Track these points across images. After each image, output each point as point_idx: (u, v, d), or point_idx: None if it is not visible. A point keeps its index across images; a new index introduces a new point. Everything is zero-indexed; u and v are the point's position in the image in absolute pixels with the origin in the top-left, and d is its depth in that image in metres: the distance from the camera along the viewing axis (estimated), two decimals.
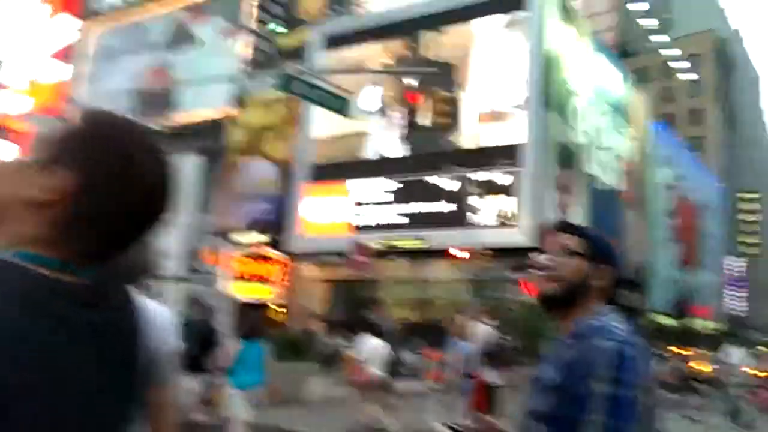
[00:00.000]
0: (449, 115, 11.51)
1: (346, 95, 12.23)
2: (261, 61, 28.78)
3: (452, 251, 19.74)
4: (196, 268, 11.21)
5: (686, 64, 48.03)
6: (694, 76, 49.50)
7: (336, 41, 27.67)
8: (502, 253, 20.72)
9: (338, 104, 11.96)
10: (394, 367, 8.57)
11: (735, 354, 11.15)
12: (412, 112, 12.06)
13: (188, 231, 28.03)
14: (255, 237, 26.06)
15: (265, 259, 23.83)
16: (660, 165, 36.96)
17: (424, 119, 13.84)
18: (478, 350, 6.30)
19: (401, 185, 24.77)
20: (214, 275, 10.86)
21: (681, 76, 49.52)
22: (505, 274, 21.68)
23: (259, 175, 28.21)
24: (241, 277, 20.88)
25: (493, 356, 6.41)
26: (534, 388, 1.37)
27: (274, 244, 25.57)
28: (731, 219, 49.37)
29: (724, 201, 48.93)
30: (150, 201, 0.83)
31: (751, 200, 50.44)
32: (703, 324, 37.33)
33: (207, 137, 30.11)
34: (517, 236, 22.25)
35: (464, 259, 19.29)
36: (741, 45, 67.29)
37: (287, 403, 9.12)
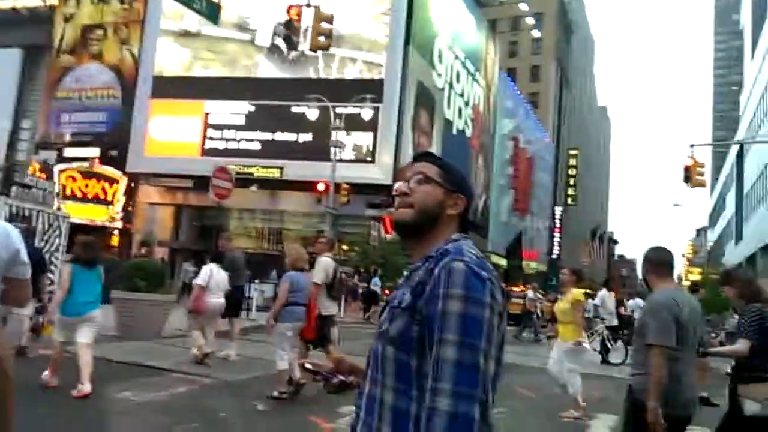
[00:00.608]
0: (330, 35, 10.62)
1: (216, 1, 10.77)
2: None
3: (317, 184, 19.14)
4: (19, 181, 9.41)
5: (531, 21, 50.77)
6: (537, 34, 52.63)
7: None
8: (359, 188, 20.65)
9: (208, 8, 10.51)
10: (238, 298, 8.65)
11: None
12: (290, 30, 10.96)
13: (4, 137, 24.08)
14: (87, 152, 23.10)
15: (101, 177, 21.30)
16: (504, 116, 39.27)
17: (301, 40, 12.81)
18: (320, 282, 6.23)
19: (260, 110, 23.29)
20: (45, 191, 9.21)
21: (528, 33, 52.42)
22: (363, 210, 21.77)
23: (92, 81, 24.76)
24: (73, 196, 18.43)
25: (331, 289, 6.39)
26: (385, 312, 1.33)
27: (109, 161, 22.93)
28: (559, 172, 54.87)
29: (554, 155, 53.94)
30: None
31: (574, 156, 56.32)
32: (532, 265, 41.38)
33: (28, 29, 25.65)
34: (375, 172, 22.32)
35: (322, 191, 18.85)
36: (582, 10, 72.97)
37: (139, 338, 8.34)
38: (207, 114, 23.82)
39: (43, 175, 15.93)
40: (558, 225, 53.01)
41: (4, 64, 25.31)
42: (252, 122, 23.31)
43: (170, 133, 23.69)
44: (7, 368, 1.89)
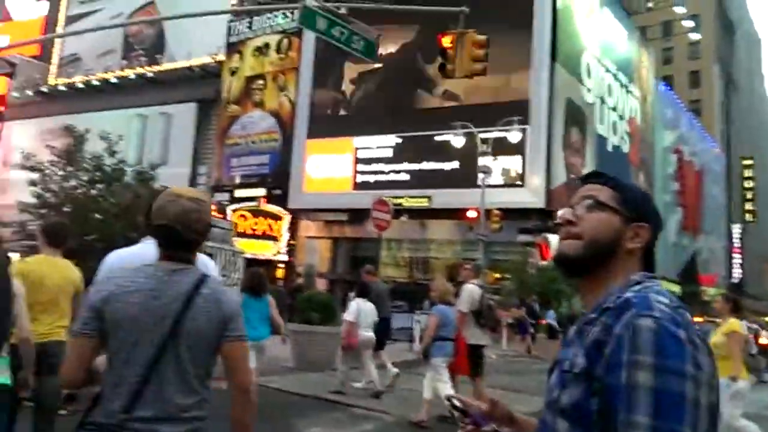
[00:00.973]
0: (484, 59, 10.40)
1: (373, 37, 11.17)
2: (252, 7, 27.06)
3: (466, 212, 18.91)
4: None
5: (690, 23, 46.81)
6: (696, 37, 48.35)
7: None
8: (509, 213, 20.00)
9: (365, 46, 10.91)
10: (384, 331, 8.67)
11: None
12: (444, 58, 10.92)
13: (185, 182, 26.99)
14: (254, 192, 25.08)
15: (268, 215, 22.94)
16: (664, 127, 36.26)
17: (454, 66, 12.82)
18: (465, 310, 6.04)
19: (406, 141, 23.66)
20: (224, 230, 9.93)
21: (683, 37, 48.38)
22: (515, 235, 21.02)
23: (255, 127, 26.95)
24: (244, 233, 20.02)
25: (479, 316, 6.16)
26: (554, 374, 1.11)
27: (273, 200, 24.64)
28: (732, 185, 49.15)
29: (725, 166, 48.58)
30: None
31: (748, 166, 50.11)
32: (710, 292, 36.83)
33: (200, 85, 28.73)
34: (525, 196, 21.54)
35: (472, 219, 18.52)
36: (743, 6, 65.98)
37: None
38: (356, 149, 24.76)
39: (220, 215, 17.49)
40: (737, 244, 47.24)
41: (183, 118, 28.42)
42: (399, 154, 23.79)
43: (325, 170, 24.96)
44: (253, 398, 1.97)
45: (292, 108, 26.20)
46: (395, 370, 7.90)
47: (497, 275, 20.97)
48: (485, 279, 15.16)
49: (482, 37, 10.86)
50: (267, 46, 27.30)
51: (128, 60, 32.06)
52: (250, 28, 27.66)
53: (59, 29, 34.46)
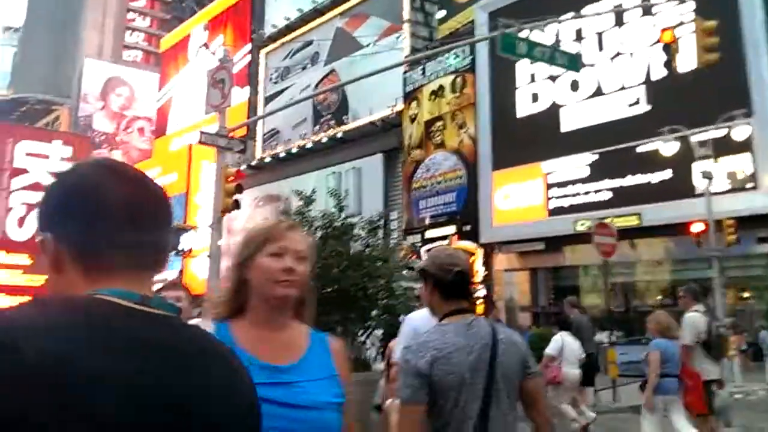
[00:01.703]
0: (716, 49, 9.22)
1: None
2: (422, 50, 28.00)
3: (689, 225, 16.86)
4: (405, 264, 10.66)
5: None
6: None
7: (500, 15, 25.90)
8: (741, 222, 17.34)
9: (568, 60, 10.56)
10: (591, 366, 8.30)
11: None
12: (669, 55, 9.95)
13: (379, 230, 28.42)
14: (445, 231, 25.38)
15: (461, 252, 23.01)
16: None
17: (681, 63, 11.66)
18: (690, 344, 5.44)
19: (604, 157, 21.82)
20: None
21: None
22: (752, 246, 18.19)
23: (439, 168, 27.43)
24: None
25: (708, 348, 5.54)
26: None
27: (464, 236, 24.62)
28: None
29: None
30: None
31: None
32: None
33: (383, 137, 30.27)
34: (759, 200, 18.55)
35: (698, 233, 16.41)
36: None
37: None
38: (546, 174, 23.81)
39: (414, 257, 17.87)
40: None
41: (371, 169, 30.04)
42: (598, 171, 22.24)
43: (514, 200, 24.35)
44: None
45: (473, 143, 26.26)
46: (592, 414, 7.31)
47: (737, 295, 18.25)
48: (711, 302, 13.18)
49: (711, 23, 9.75)
50: (441, 88, 27.93)
51: (319, 125, 35.06)
52: (423, 74, 28.62)
53: (260, 110, 39.12)
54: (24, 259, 11.05)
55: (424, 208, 27.54)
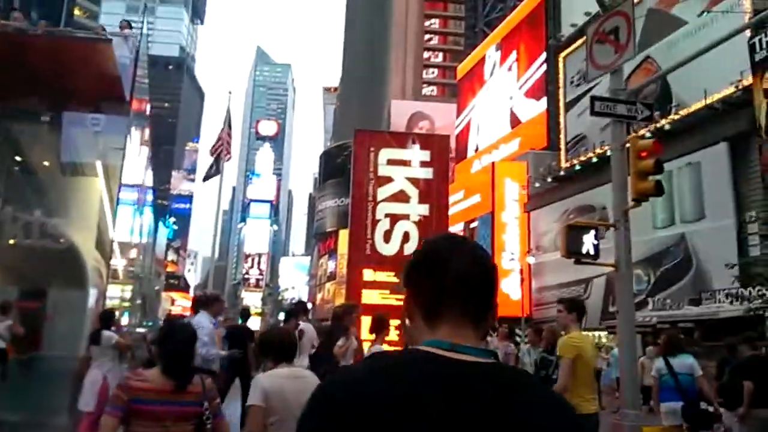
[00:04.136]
0: None
1: None
2: None
3: None
4: None
5: None
6: None
7: None
8: None
9: None
10: None
11: None
12: None
13: (730, 236, 22.84)
14: None
15: None
16: None
17: None
18: None
19: None
20: None
21: None
22: None
23: None
24: None
25: None
26: None
27: None
28: None
29: None
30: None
31: None
32: None
33: (724, 122, 24.69)
34: None
35: None
36: None
37: None
38: None
39: None
40: None
41: (712, 162, 24.79)
42: None
43: None
44: None
45: None
46: None
47: None
48: None
49: None
50: None
51: (632, 124, 30.86)
52: None
53: (561, 118, 36.57)
54: (390, 276, 10.28)
55: None
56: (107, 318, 6.89)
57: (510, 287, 32.69)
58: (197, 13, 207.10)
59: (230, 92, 22.19)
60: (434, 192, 10.56)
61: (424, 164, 10.68)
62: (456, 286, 1.14)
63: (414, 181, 10.69)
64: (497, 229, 36.30)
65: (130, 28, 9.23)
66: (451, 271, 1.15)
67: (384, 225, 10.49)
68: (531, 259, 31.29)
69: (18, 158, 9.24)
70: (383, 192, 10.60)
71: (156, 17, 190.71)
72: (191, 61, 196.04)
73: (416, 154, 10.70)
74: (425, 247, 1.22)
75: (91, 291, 8.80)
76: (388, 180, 10.61)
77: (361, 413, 1.01)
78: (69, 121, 8.82)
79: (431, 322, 1.15)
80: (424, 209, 10.54)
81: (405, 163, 10.74)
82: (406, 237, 10.45)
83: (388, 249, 10.36)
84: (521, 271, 31.19)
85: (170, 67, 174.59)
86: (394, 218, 10.45)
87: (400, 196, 10.39)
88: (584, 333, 5.39)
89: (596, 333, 26.38)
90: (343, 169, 67.39)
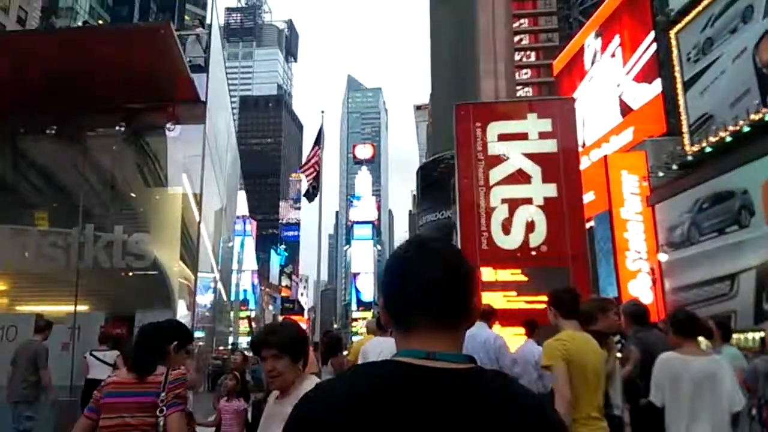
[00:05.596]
0: None
1: None
2: None
3: None
4: None
5: None
6: None
7: None
8: None
9: None
10: None
11: None
12: None
13: None
14: None
15: None
16: None
17: None
18: None
19: None
20: None
21: None
22: None
23: None
24: None
25: None
26: None
27: None
28: None
29: None
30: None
31: None
32: None
33: None
34: None
35: None
36: None
37: None
38: None
39: None
40: None
41: None
42: None
43: None
44: None
45: None
46: None
47: None
48: None
49: None
50: None
51: (767, 96, 26.98)
52: None
53: (680, 99, 33.01)
54: (516, 275, 8.30)
55: None
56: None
57: (639, 290, 29.45)
58: (291, 52, 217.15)
59: (323, 111, 21.69)
60: (561, 168, 8.71)
61: (545, 135, 8.79)
62: (422, 295, 1.13)
63: (535, 158, 8.90)
64: (617, 228, 33.04)
65: (203, 26, 8.53)
66: (416, 281, 1.14)
67: (501, 213, 8.71)
68: (663, 257, 28.00)
69: (95, 171, 8.70)
70: (496, 174, 8.83)
71: (254, 60, 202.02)
72: (288, 97, 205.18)
73: (534, 124, 8.86)
74: (392, 255, 1.21)
75: (178, 309, 8.02)
76: (501, 159, 8.85)
77: (319, 422, 1.01)
78: (144, 128, 8.18)
79: (403, 331, 1.15)
80: (550, 190, 8.71)
81: (521, 136, 8.90)
82: (530, 226, 8.69)
83: (510, 242, 8.56)
84: (651, 272, 27.95)
85: (270, 104, 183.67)
86: (514, 204, 8.67)
87: (519, 177, 8.61)
88: (581, 333, 3.92)
89: (751, 335, 22.74)
90: (440, 182, 66.08)
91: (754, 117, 26.27)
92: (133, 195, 8.81)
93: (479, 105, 10.72)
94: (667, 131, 34.05)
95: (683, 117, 32.34)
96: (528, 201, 8.50)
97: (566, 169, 8.52)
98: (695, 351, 4.13)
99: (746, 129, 26.42)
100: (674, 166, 30.94)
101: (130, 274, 7.98)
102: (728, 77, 29.54)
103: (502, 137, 8.88)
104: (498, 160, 8.75)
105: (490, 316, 6.07)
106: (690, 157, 30.06)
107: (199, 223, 7.64)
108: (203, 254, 9.02)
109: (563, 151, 8.61)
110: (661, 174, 31.85)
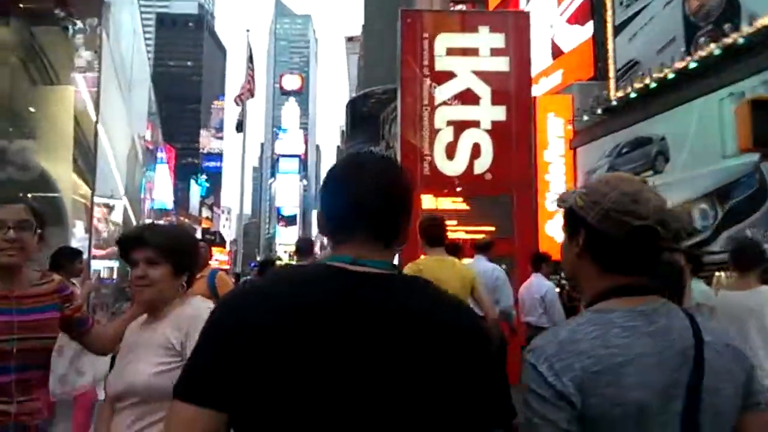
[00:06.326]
0: None
1: None
2: None
3: None
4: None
5: None
6: None
7: None
8: None
9: None
10: None
11: None
12: None
13: None
14: None
15: None
16: None
17: None
18: None
19: None
20: None
21: None
22: None
23: None
24: None
25: None
26: None
27: None
28: None
29: None
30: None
31: None
32: None
33: None
34: None
35: None
36: None
37: None
38: None
39: None
40: None
41: None
42: None
43: None
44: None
45: None
46: None
47: None
48: None
49: None
50: None
51: (693, 44, 27.55)
52: None
53: (610, 43, 33.22)
54: (458, 203, 7.69)
55: None
56: None
57: (555, 230, 30.35)
58: None
59: (248, 30, 20.28)
60: (512, 89, 8.12)
61: (496, 52, 8.12)
62: (354, 211, 1.15)
63: (484, 76, 8.24)
64: (539, 169, 33.64)
65: None
66: (350, 196, 1.15)
67: (446, 136, 8.09)
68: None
69: None
70: (443, 92, 8.13)
71: None
72: (211, 18, 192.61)
73: (485, 39, 8.13)
74: (328, 172, 1.21)
75: (73, 230, 6.94)
76: (450, 76, 8.13)
77: (265, 316, 1.02)
78: (29, 16, 6.76)
79: (337, 244, 1.17)
80: (499, 112, 8.14)
81: (471, 52, 8.17)
82: (476, 150, 8.15)
83: (453, 167, 7.99)
84: None
85: (190, 24, 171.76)
86: (460, 126, 8.05)
87: (467, 97, 7.96)
88: (440, 257, 4.12)
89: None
90: (370, 117, 64.84)
91: (678, 65, 26.88)
92: (14, 95, 7.40)
93: (428, 13, 9.77)
94: (595, 76, 34.43)
95: (611, 62, 32.73)
96: (475, 124, 7.91)
97: (517, 90, 7.96)
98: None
99: (671, 76, 27.05)
100: (599, 110, 31.52)
101: (13, 185, 6.77)
102: (657, 24, 29.90)
103: (451, 51, 8.13)
104: (445, 76, 8.03)
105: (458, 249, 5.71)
106: (615, 102, 30.62)
107: (96, 123, 6.47)
108: (105, 171, 7.83)
109: (515, 71, 8.01)
110: (585, 118, 32.42)
